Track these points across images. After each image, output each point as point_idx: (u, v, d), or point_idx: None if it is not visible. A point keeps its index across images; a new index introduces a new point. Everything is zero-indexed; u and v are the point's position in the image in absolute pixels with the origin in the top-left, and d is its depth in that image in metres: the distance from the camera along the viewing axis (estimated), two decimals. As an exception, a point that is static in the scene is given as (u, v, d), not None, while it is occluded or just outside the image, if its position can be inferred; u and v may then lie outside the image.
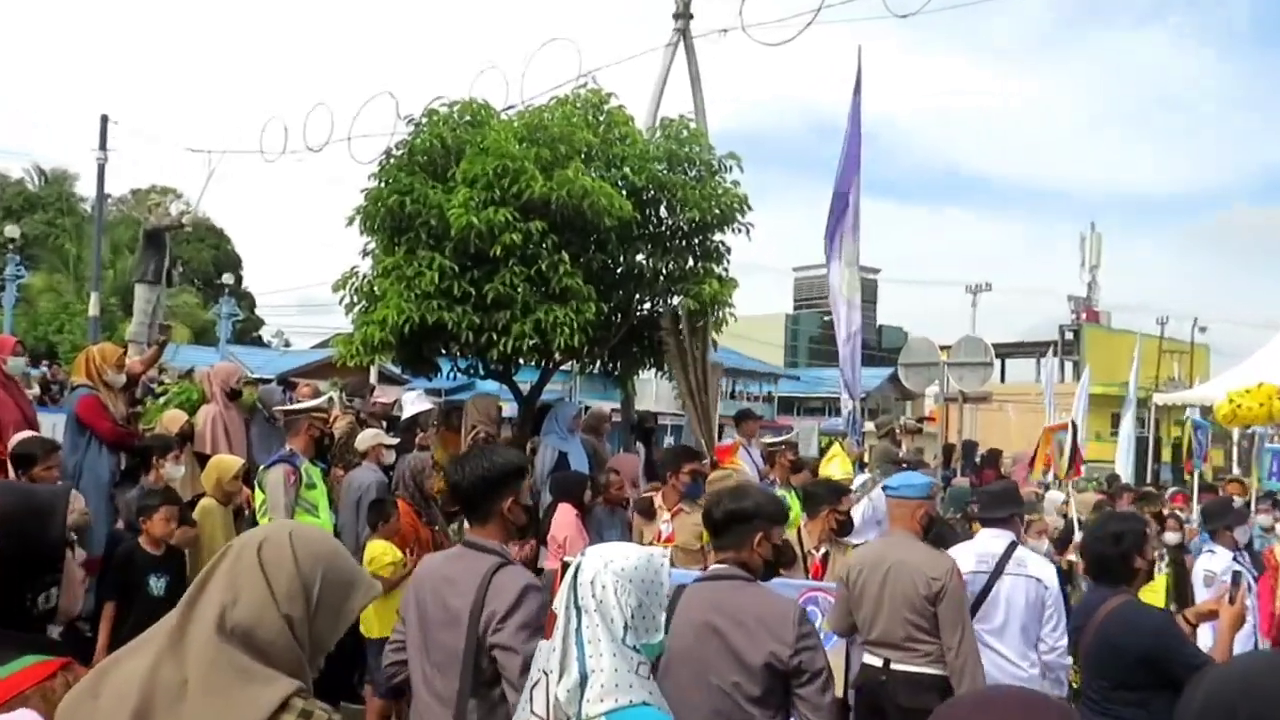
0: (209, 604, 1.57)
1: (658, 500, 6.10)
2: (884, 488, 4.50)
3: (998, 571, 4.49)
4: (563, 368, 9.62)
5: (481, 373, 8.52)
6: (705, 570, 3.15)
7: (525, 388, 8.91)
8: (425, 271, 7.20)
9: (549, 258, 7.29)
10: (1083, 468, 10.78)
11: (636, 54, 13.28)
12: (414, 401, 8.46)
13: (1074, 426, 9.61)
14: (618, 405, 11.68)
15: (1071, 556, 6.97)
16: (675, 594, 2.92)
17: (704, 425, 8.04)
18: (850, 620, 4.28)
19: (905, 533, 4.21)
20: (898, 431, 11.27)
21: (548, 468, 7.57)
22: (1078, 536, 7.38)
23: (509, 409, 10.44)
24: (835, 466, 7.59)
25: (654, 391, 20.09)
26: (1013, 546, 4.64)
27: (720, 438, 8.63)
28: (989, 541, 4.66)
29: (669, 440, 12.69)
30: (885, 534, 4.68)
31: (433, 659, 2.84)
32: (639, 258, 8.28)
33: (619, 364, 9.17)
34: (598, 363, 9.17)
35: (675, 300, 8.35)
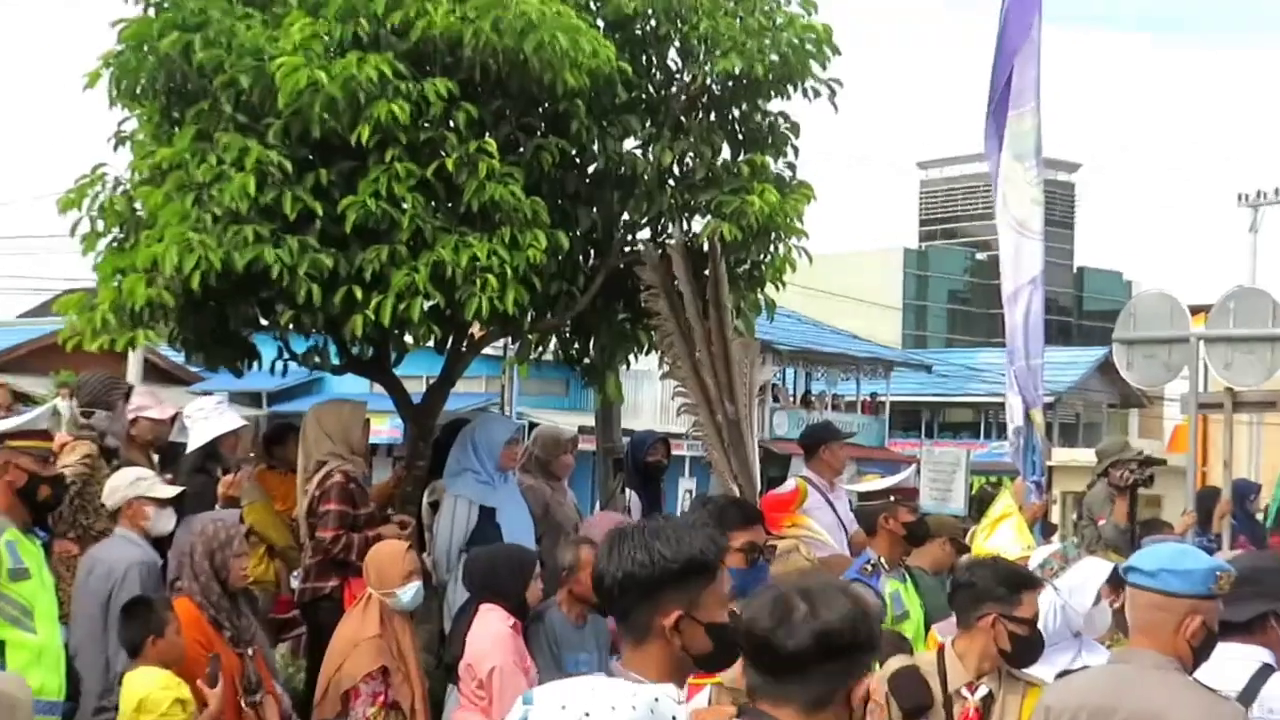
0: None
1: None
2: (1127, 572, 4.50)
3: None
4: (486, 350, 9.62)
5: (335, 361, 8.59)
6: None
7: (417, 389, 8.91)
8: (232, 175, 7.22)
9: (461, 148, 7.33)
10: None
11: None
12: (210, 417, 8.47)
13: None
14: (589, 421, 11.72)
15: None
16: None
17: (736, 459, 8.09)
18: None
19: (1158, 657, 4.24)
20: (1124, 475, 10.98)
21: (459, 537, 7.71)
22: None
23: (386, 429, 10.41)
24: (1006, 533, 7.58)
25: (657, 397, 20.21)
26: (1265, 673, 4.72)
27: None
28: (1224, 665, 4.67)
29: (686, 485, 12.74)
30: (1119, 658, 4.73)
31: None
32: (629, 146, 8.33)
33: (592, 344, 9.24)
34: (552, 342, 9.24)
35: (697, 224, 8.39)
